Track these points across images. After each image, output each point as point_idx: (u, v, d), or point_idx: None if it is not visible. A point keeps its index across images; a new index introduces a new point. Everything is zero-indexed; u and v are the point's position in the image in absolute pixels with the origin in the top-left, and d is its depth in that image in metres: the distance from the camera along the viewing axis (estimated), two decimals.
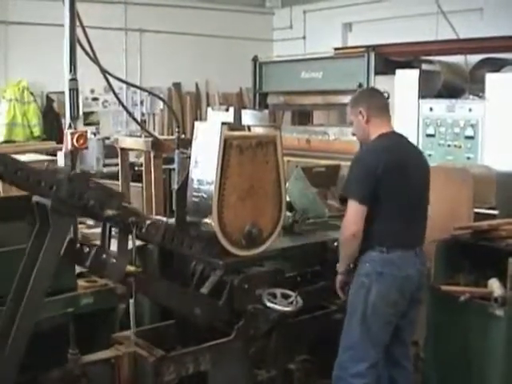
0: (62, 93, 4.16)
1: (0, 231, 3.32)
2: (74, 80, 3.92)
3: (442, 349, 3.94)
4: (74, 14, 3.92)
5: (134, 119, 5.95)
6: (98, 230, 3.26)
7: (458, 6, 8.55)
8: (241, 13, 11.70)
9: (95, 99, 10.50)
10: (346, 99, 3.76)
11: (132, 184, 6.38)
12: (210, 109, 3.90)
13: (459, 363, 3.86)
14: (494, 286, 3.73)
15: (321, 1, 11.08)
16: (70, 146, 3.89)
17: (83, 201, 2.93)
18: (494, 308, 3.65)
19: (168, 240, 3.28)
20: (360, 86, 6.96)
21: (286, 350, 3.70)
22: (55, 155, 4.44)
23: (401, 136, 3.61)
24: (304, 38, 11.62)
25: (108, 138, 8.29)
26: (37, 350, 2.83)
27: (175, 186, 3.83)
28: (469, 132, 5.95)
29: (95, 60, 4.15)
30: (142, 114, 11.03)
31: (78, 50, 3.98)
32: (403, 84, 6.55)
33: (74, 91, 3.92)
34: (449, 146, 6.13)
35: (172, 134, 8.56)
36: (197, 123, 3.70)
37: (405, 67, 6.77)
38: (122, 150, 6.31)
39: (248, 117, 3.70)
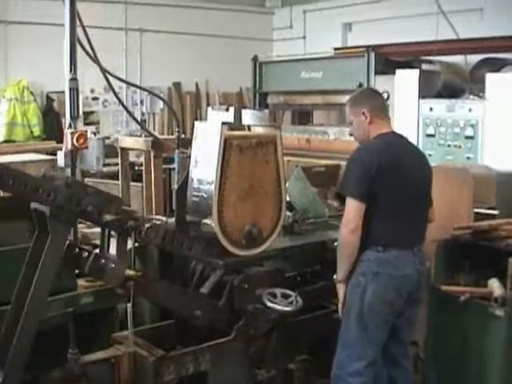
0: (62, 92, 4.17)
1: (0, 231, 3.33)
2: (74, 79, 3.92)
3: (441, 349, 3.94)
4: (74, 14, 3.92)
5: (134, 119, 5.95)
6: (98, 229, 3.26)
7: (458, 6, 8.56)
8: (241, 13, 11.70)
9: (95, 99, 10.51)
10: (346, 99, 3.76)
11: (132, 184, 6.39)
12: (210, 108, 3.89)
13: (459, 363, 3.86)
14: (494, 286, 3.73)
15: (321, 1, 11.09)
16: (70, 146, 3.90)
17: (81, 207, 2.93)
18: (493, 308, 3.65)
19: (168, 242, 3.28)
20: (360, 86, 6.96)
21: (286, 350, 3.70)
22: (55, 155, 4.44)
23: (400, 136, 3.62)
24: (304, 37, 11.63)
25: (108, 138, 8.27)
26: (37, 350, 2.83)
27: (175, 186, 3.83)
28: (469, 132, 5.95)
29: (95, 59, 4.16)
30: (142, 114, 11.04)
31: (78, 49, 3.99)
32: (403, 84, 6.55)
33: (74, 91, 3.93)
34: (449, 146, 6.13)
35: (172, 134, 8.54)
36: (197, 123, 3.70)
37: (405, 67, 6.77)
38: (122, 149, 6.32)
39: (248, 117, 3.69)
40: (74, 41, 3.93)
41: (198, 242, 3.39)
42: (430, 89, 6.48)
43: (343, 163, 3.70)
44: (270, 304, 3.44)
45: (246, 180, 3.46)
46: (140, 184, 6.28)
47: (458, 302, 3.76)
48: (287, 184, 3.98)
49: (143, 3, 10.65)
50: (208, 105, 10.74)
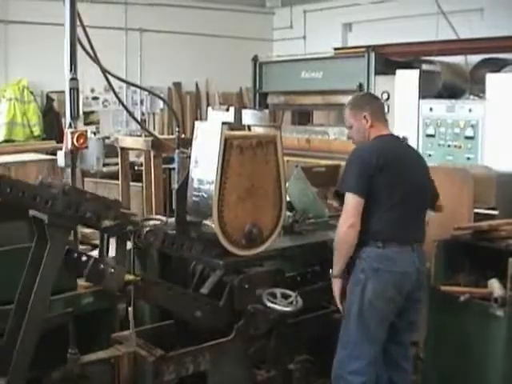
0: (62, 92, 4.17)
1: (0, 231, 3.32)
2: (74, 79, 3.93)
3: (441, 349, 3.93)
4: (74, 14, 3.93)
5: (134, 119, 5.95)
6: None
7: (459, 6, 8.56)
8: (241, 13, 11.70)
9: (95, 98, 10.50)
10: (346, 99, 3.77)
11: (132, 184, 6.38)
12: (210, 108, 3.89)
13: (459, 363, 3.86)
14: (494, 286, 3.73)
15: (321, 1, 11.08)
16: (70, 146, 3.90)
17: (80, 213, 2.93)
18: (493, 308, 3.65)
19: (167, 245, 3.28)
20: (360, 85, 6.98)
21: (286, 350, 3.70)
22: (55, 155, 4.44)
23: (398, 138, 3.69)
24: (304, 37, 11.63)
25: (108, 138, 8.28)
26: (36, 350, 2.83)
27: (175, 186, 3.83)
28: (469, 132, 5.95)
29: (95, 59, 4.16)
30: (142, 114, 11.03)
31: (78, 49, 3.99)
32: (403, 84, 6.54)
33: (74, 90, 3.93)
34: (449, 146, 6.12)
35: (172, 134, 8.55)
36: (197, 123, 3.70)
37: (405, 67, 6.76)
38: (122, 149, 6.31)
39: (248, 117, 3.70)
40: (74, 41, 3.94)
41: (198, 243, 3.39)
42: (430, 89, 6.47)
43: (343, 163, 3.70)
44: (269, 304, 3.44)
45: (247, 180, 3.46)
46: (140, 184, 6.28)
47: (458, 303, 3.76)
48: (287, 184, 3.98)
49: (143, 3, 10.65)
50: (208, 105, 10.73)
